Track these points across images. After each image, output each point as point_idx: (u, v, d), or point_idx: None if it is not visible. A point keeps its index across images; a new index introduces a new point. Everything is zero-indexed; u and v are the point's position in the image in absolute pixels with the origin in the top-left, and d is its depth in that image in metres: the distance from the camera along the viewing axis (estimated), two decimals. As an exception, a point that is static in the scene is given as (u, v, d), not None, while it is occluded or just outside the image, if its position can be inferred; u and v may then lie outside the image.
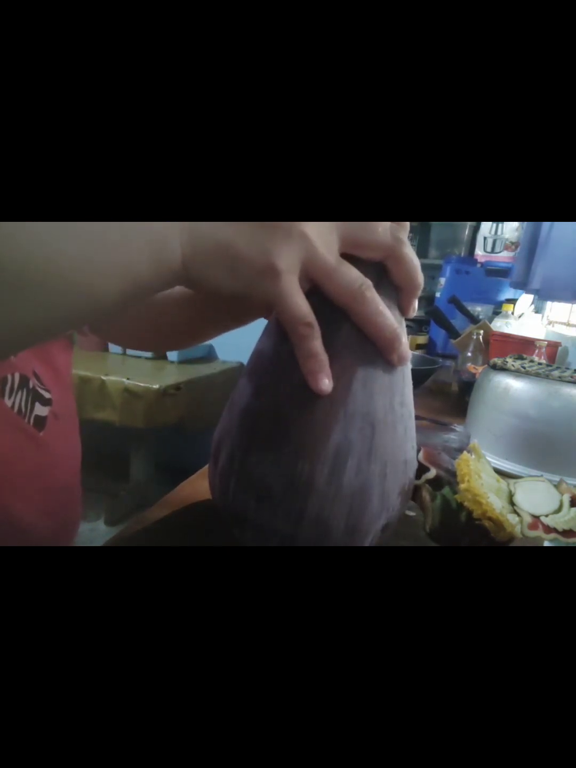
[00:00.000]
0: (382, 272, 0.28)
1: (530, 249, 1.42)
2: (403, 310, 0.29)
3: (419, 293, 0.29)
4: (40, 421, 0.42)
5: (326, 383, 0.26)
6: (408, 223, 0.28)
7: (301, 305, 0.25)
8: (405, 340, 0.28)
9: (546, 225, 1.34)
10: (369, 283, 0.26)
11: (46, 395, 0.43)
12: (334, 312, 0.27)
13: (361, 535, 0.28)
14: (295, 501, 0.27)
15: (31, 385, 0.41)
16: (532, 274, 1.38)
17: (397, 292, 0.29)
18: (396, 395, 0.28)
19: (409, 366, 0.30)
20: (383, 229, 0.27)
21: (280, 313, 0.26)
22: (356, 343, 0.27)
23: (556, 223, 1.27)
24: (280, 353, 0.28)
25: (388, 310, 0.27)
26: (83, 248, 0.21)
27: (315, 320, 0.26)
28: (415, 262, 0.28)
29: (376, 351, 0.27)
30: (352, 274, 0.26)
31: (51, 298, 0.21)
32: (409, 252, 0.27)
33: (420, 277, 0.28)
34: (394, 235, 0.27)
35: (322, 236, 0.25)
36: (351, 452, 0.27)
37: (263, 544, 0.29)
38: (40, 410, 0.42)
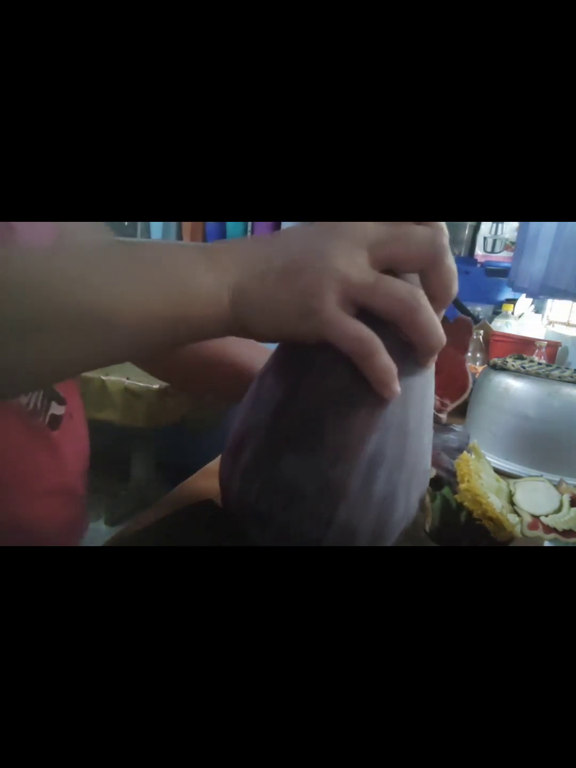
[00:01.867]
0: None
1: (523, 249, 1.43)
2: None
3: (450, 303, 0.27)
4: (55, 420, 0.41)
5: (397, 389, 0.26)
6: (445, 226, 0.26)
7: (354, 325, 0.25)
8: None
9: (534, 224, 1.34)
10: (419, 290, 0.25)
11: (61, 394, 0.43)
12: (372, 328, 0.26)
13: (384, 540, 0.29)
14: (327, 505, 0.27)
15: None
16: (522, 273, 1.38)
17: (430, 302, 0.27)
18: (425, 407, 0.29)
19: (433, 378, 0.30)
20: (419, 239, 0.25)
21: (337, 342, 0.25)
22: (397, 355, 0.26)
23: (545, 223, 1.26)
24: (317, 357, 0.27)
25: (437, 316, 0.26)
26: (144, 295, 0.24)
27: (373, 333, 0.25)
28: (455, 271, 0.26)
29: (412, 363, 0.27)
30: (397, 285, 0.25)
31: (107, 340, 0.24)
32: (450, 261, 0.26)
33: (456, 287, 0.26)
34: (434, 242, 0.25)
35: (352, 260, 0.25)
36: (384, 461, 0.27)
37: (284, 545, 0.29)
38: (57, 409, 0.42)
